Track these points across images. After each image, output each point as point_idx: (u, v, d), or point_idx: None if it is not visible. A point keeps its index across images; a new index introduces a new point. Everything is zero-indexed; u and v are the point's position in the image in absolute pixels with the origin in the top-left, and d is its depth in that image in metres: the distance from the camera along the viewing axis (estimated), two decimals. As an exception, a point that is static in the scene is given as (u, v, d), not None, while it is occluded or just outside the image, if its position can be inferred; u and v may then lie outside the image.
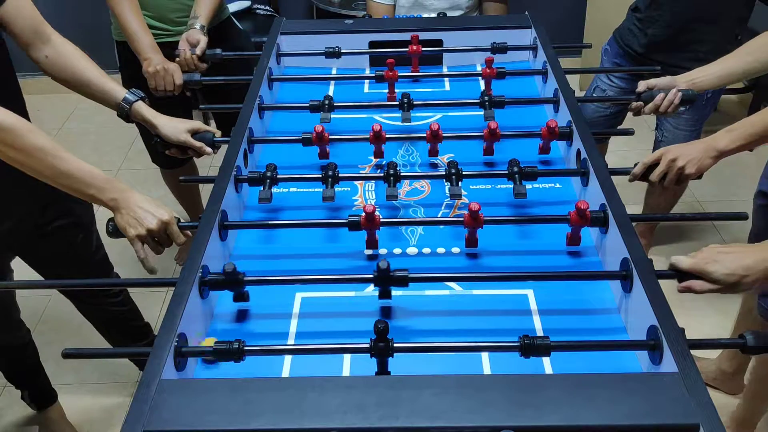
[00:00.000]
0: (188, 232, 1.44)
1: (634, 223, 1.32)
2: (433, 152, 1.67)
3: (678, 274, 1.20)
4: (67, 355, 1.13)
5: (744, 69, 1.70)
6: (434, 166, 1.71)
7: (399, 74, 1.92)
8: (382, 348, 1.08)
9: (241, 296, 1.28)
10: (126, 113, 1.65)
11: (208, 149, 1.65)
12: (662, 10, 2.29)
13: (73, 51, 1.63)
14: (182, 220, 1.43)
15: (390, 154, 1.75)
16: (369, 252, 1.43)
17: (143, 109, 1.64)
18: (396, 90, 1.93)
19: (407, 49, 2.02)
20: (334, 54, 2.05)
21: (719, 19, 2.26)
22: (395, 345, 1.09)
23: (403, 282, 1.24)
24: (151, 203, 1.39)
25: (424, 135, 1.66)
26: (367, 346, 1.09)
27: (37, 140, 1.33)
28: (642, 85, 1.77)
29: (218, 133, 1.68)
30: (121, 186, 1.40)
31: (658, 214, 2.74)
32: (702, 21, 2.26)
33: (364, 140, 1.66)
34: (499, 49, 2.04)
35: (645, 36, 2.35)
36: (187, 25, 2.09)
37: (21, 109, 1.60)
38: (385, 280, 1.23)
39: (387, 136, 1.64)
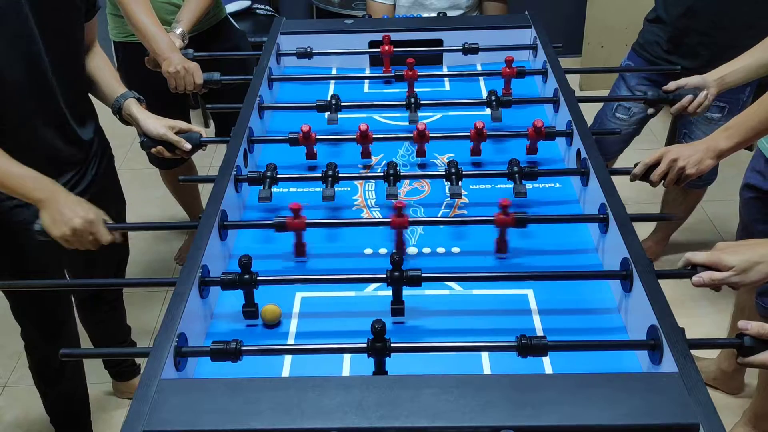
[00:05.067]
0: (117, 234, 1.44)
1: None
2: (421, 153, 1.68)
3: (693, 269, 1.21)
4: (65, 354, 1.13)
5: None
6: (423, 166, 1.71)
7: (419, 73, 1.91)
8: (379, 348, 1.08)
9: (250, 313, 1.27)
10: (118, 108, 1.68)
11: (187, 144, 1.66)
12: (698, 19, 2.14)
13: (97, 51, 1.74)
14: (108, 221, 1.41)
15: (390, 154, 1.75)
16: (368, 251, 1.44)
17: (132, 106, 1.67)
18: (395, 90, 1.93)
19: (407, 49, 2.03)
20: (305, 54, 2.06)
21: (762, 23, 2.05)
22: (393, 345, 1.09)
23: (416, 282, 1.23)
24: (78, 203, 1.40)
25: (411, 135, 1.65)
26: (365, 346, 1.09)
27: None
28: (672, 85, 1.72)
29: (204, 133, 1.69)
30: (50, 186, 1.41)
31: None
32: (744, 27, 2.10)
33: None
34: (471, 49, 2.04)
35: (681, 48, 2.20)
36: (170, 28, 2.09)
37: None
38: (398, 280, 1.23)
39: (374, 136, 1.65)
